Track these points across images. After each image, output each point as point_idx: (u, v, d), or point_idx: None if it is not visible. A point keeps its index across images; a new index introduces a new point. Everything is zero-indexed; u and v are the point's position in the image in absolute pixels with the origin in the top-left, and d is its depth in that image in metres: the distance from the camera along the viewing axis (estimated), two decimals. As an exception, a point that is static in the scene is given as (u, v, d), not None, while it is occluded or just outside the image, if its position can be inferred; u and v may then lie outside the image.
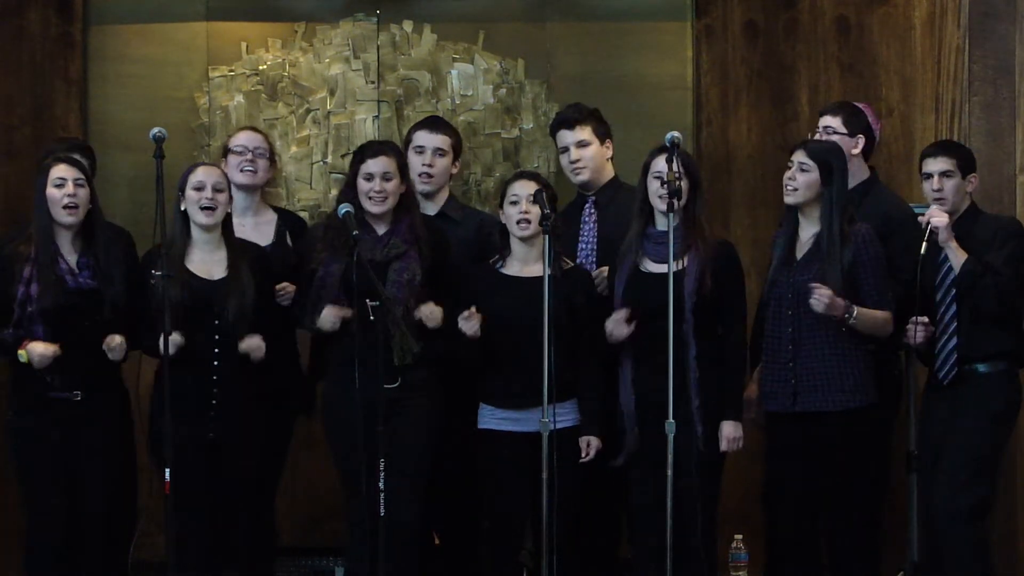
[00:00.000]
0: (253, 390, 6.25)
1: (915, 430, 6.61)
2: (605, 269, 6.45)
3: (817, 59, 7.59)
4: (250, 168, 6.62)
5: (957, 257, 6.17)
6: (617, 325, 6.22)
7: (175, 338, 6.00)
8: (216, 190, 6.23)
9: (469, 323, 6.20)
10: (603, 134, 6.75)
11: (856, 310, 6.15)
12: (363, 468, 5.99)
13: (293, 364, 6.60)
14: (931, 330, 6.27)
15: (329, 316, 6.15)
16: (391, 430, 6.02)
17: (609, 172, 6.77)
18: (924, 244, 6.21)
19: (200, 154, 7.52)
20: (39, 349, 6.07)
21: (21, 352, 6.08)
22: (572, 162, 6.73)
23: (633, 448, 6.27)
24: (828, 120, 6.70)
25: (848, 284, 6.18)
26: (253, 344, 6.16)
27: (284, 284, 6.38)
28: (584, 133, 6.72)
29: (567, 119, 6.76)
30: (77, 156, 6.40)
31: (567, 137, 6.73)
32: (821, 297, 6.11)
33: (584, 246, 6.67)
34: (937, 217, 6.18)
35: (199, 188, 6.22)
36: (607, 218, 6.64)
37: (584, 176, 6.72)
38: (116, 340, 6.10)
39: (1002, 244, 6.21)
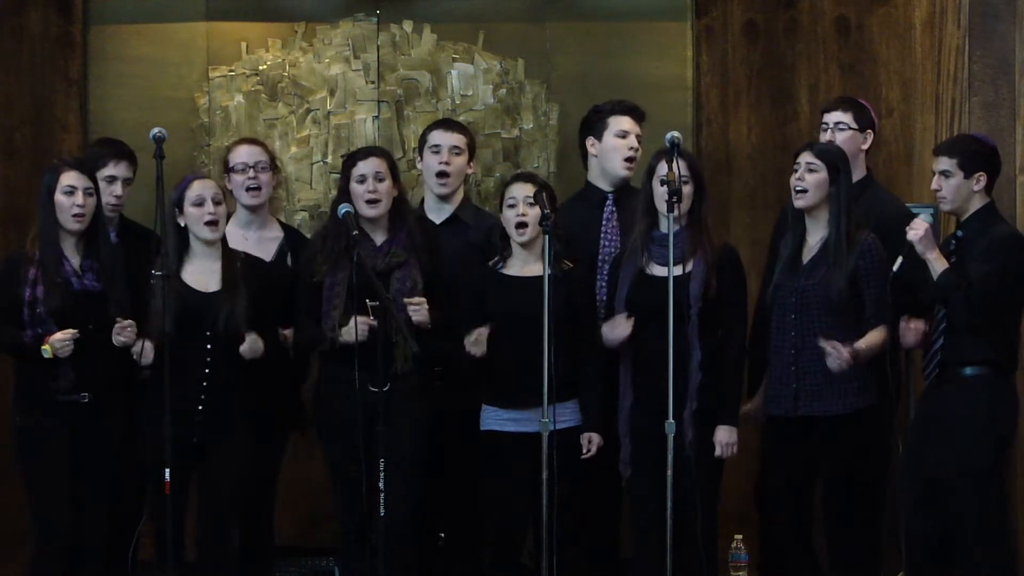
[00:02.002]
0: (247, 401, 6.25)
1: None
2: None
3: (817, 59, 7.59)
4: (254, 185, 6.58)
5: (935, 267, 6.13)
6: (613, 328, 6.21)
7: (148, 345, 6.05)
8: (215, 203, 6.22)
9: (478, 346, 6.20)
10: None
11: (860, 352, 6.14)
12: (363, 468, 6.00)
13: (284, 376, 6.58)
14: (923, 331, 6.25)
15: (360, 326, 6.10)
16: (383, 433, 6.02)
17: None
18: (899, 259, 6.18)
19: (200, 154, 7.52)
20: (58, 336, 6.06)
21: (44, 347, 6.07)
22: (632, 149, 6.68)
23: (630, 452, 6.28)
24: (839, 116, 6.67)
25: (850, 292, 6.17)
26: (252, 346, 6.17)
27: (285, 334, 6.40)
28: (642, 131, 6.73)
29: (636, 109, 6.77)
30: (120, 164, 6.48)
31: (630, 125, 6.70)
32: (841, 360, 6.09)
33: (607, 244, 6.65)
34: (914, 230, 6.14)
35: (199, 203, 6.21)
36: (625, 218, 6.59)
37: (630, 172, 6.69)
38: (125, 322, 6.08)
39: (988, 258, 6.13)
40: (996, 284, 6.08)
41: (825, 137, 6.64)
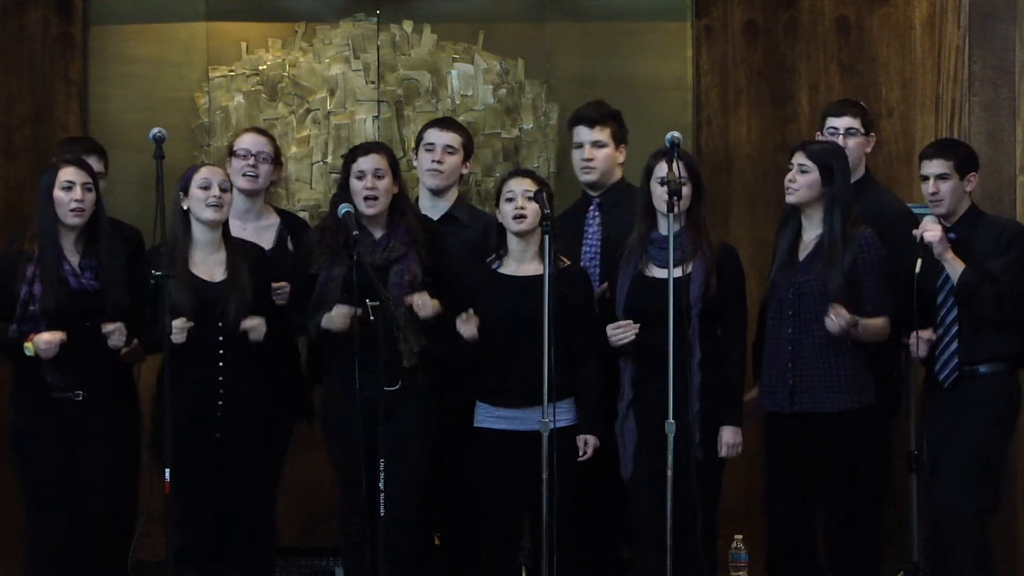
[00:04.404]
0: (256, 391, 6.26)
1: (915, 430, 6.62)
2: (606, 286, 6.43)
3: (817, 59, 7.59)
4: (252, 173, 6.61)
5: (955, 268, 6.15)
6: (618, 333, 6.22)
7: (179, 323, 6.01)
8: (222, 189, 6.23)
9: (467, 326, 6.20)
10: (620, 139, 6.73)
11: (861, 323, 6.14)
12: (363, 469, 5.99)
13: (293, 367, 6.60)
14: (932, 341, 6.26)
15: (340, 314, 6.13)
16: (387, 433, 6.02)
17: (617, 175, 6.75)
18: (919, 262, 6.19)
19: (200, 154, 7.52)
20: (45, 337, 6.06)
21: (27, 345, 6.07)
22: (584, 160, 6.70)
23: (631, 452, 6.27)
24: (850, 121, 6.66)
25: (848, 287, 6.18)
26: (254, 323, 6.16)
27: (281, 284, 6.37)
28: (602, 134, 6.69)
29: (588, 117, 6.73)
30: (90, 158, 6.42)
31: (584, 134, 6.70)
32: (839, 319, 6.09)
33: (588, 248, 6.65)
34: (930, 232, 6.15)
35: (205, 187, 6.21)
36: (611, 220, 6.61)
37: (591, 177, 6.70)
38: (114, 324, 6.08)
39: (1004, 250, 6.18)
40: (1017, 275, 6.11)
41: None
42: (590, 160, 6.69)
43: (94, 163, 6.52)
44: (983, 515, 6.19)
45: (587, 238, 6.68)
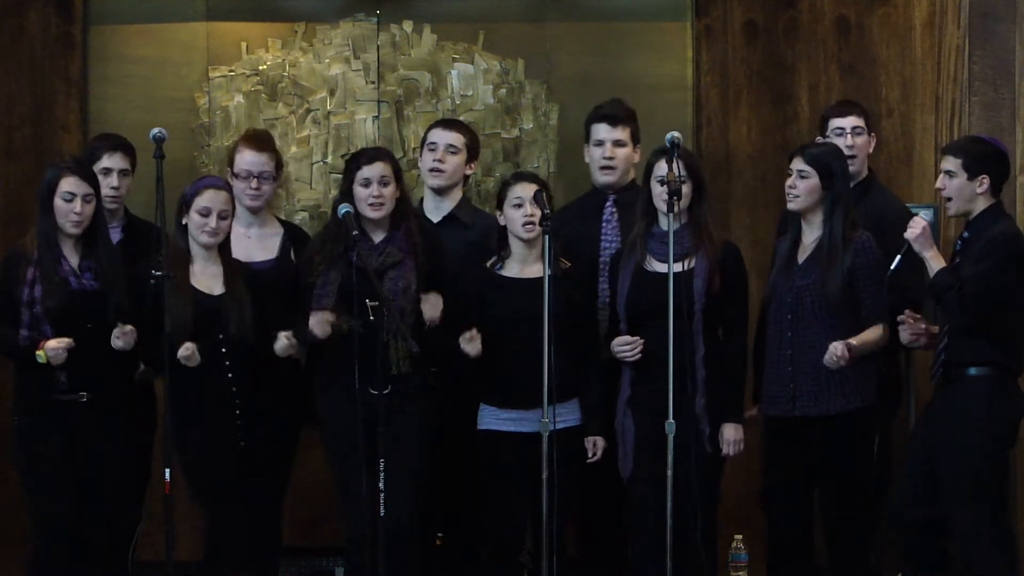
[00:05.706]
0: (272, 400, 6.31)
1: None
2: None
3: (817, 59, 7.59)
4: (255, 193, 6.58)
5: (932, 265, 6.12)
6: (624, 350, 6.22)
7: (186, 351, 6.04)
8: (221, 217, 6.22)
9: (472, 345, 6.19)
10: (637, 139, 6.72)
11: (854, 347, 6.13)
12: (363, 471, 5.99)
13: (295, 373, 6.59)
14: (920, 329, 6.25)
15: (317, 322, 6.14)
16: (387, 434, 6.02)
17: (631, 175, 6.73)
18: (897, 258, 6.16)
19: (200, 154, 7.52)
20: (52, 344, 6.06)
21: (39, 352, 6.07)
22: (606, 158, 6.65)
23: (632, 451, 6.28)
24: (854, 120, 6.67)
25: (847, 290, 6.17)
26: (284, 344, 6.22)
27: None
28: (624, 134, 6.67)
29: (611, 115, 6.69)
30: (115, 155, 6.48)
31: (605, 132, 6.67)
32: (840, 359, 6.09)
33: (607, 245, 6.61)
34: (912, 228, 6.14)
35: (204, 214, 6.21)
36: (628, 220, 6.56)
37: (611, 177, 6.66)
38: (126, 328, 6.08)
39: (982, 258, 6.11)
40: (988, 284, 6.05)
41: (839, 142, 6.59)
42: (611, 159, 6.65)
43: (119, 160, 6.52)
44: (991, 514, 6.15)
45: (605, 235, 6.65)
